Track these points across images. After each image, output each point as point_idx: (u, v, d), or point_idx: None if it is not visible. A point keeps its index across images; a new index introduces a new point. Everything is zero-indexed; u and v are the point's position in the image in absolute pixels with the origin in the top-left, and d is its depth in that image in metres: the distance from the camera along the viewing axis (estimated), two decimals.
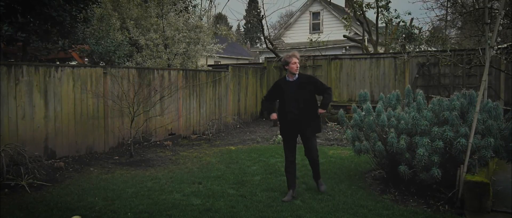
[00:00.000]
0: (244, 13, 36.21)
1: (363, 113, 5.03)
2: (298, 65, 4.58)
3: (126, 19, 11.08)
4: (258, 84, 12.49)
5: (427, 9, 28.66)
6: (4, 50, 7.90)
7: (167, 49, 10.84)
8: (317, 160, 4.73)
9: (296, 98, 4.51)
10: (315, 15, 19.64)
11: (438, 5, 10.69)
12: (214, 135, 9.53)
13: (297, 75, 4.61)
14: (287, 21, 21.78)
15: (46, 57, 8.48)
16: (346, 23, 14.54)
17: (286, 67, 4.59)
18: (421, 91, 5.10)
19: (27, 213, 4.12)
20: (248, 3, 29.00)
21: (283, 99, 4.61)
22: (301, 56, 12.34)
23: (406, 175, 4.43)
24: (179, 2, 11.57)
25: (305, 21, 20.06)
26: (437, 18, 10.72)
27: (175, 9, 11.36)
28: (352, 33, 17.06)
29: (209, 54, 12.64)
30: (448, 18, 11.50)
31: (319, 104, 4.64)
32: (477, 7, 7.39)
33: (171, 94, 8.68)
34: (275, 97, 4.78)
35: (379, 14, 13.83)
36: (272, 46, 13.16)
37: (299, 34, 19.64)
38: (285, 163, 4.75)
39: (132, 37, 10.70)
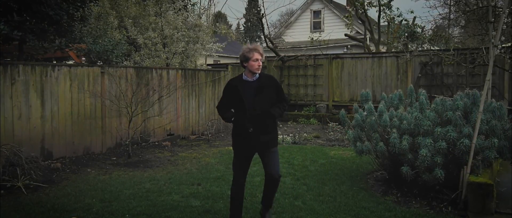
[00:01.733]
0: (244, 12, 36.13)
1: (365, 113, 5.01)
2: (261, 64, 3.54)
3: (124, 17, 11.01)
4: None
5: (430, 7, 28.66)
6: (0, 49, 7.82)
7: (166, 48, 10.76)
8: (278, 182, 3.69)
9: (254, 106, 3.51)
10: (316, 13, 19.57)
11: (441, 3, 10.64)
12: (213, 135, 9.47)
13: (257, 75, 3.59)
14: (288, 20, 21.71)
15: (42, 57, 8.43)
16: (348, 21, 14.47)
17: (245, 65, 3.54)
18: (423, 91, 5.08)
19: (24, 215, 4.08)
20: (248, 1, 28.95)
21: (239, 107, 3.55)
22: (301, 55, 12.45)
23: (409, 176, 4.40)
24: (178, 1, 11.49)
25: (306, 20, 19.99)
26: (440, 16, 10.70)
27: (174, 8, 11.28)
28: (354, 32, 16.99)
29: (208, 53, 12.58)
30: (451, 16, 11.46)
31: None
32: (480, 5, 7.33)
33: (170, 94, 8.62)
34: (230, 104, 3.64)
35: (381, 13, 13.77)
36: (273, 45, 13.10)
37: (299, 33, 19.56)
38: (232, 186, 3.67)
39: (130, 36, 10.63)
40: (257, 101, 3.51)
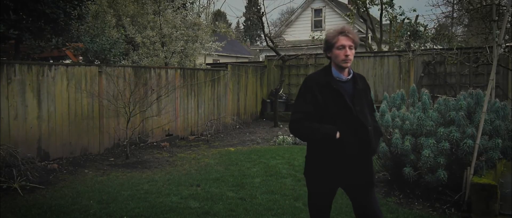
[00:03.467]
0: (244, 10, 36.08)
1: None
2: (350, 54, 2.43)
3: (122, 16, 10.93)
4: (258, 83, 12.36)
5: (433, 6, 28.43)
6: None
7: (164, 47, 10.69)
8: None
9: (357, 115, 2.42)
10: (317, 12, 19.48)
11: (444, 1, 10.57)
12: (212, 135, 9.41)
13: (351, 72, 2.53)
14: (288, 18, 21.62)
15: (39, 56, 8.35)
16: (349, 20, 14.40)
17: (328, 55, 2.52)
18: (426, 90, 5.03)
19: (20, 217, 4.05)
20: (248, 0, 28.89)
21: (337, 117, 2.42)
22: (302, 54, 12.37)
23: (411, 177, 4.35)
24: None
25: (307, 18, 19.90)
26: (443, 15, 10.62)
27: (173, 6, 11.20)
28: (355, 31, 16.83)
29: (207, 52, 12.51)
30: (455, 15, 11.39)
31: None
32: (484, 3, 7.26)
33: (168, 94, 8.56)
34: (320, 114, 2.44)
35: (383, 11, 13.72)
36: (273, 44, 13.01)
37: (300, 31, 19.48)
38: None
39: (128, 34, 10.56)
40: (359, 111, 2.43)
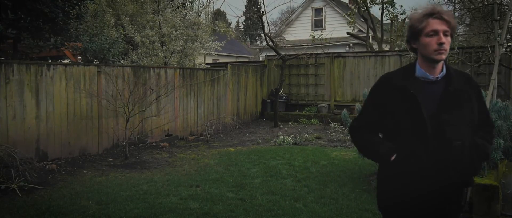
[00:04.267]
0: (244, 10, 36.05)
1: None
2: (445, 42, 1.81)
3: (121, 15, 10.89)
4: (258, 83, 12.31)
5: (434, 5, 28.46)
6: None
7: (164, 46, 10.65)
8: None
9: (441, 129, 1.81)
10: (318, 11, 19.43)
11: (446, 1, 10.52)
12: (212, 136, 9.37)
13: (444, 69, 1.90)
14: (288, 18, 21.58)
15: (37, 55, 8.34)
16: (350, 19, 14.35)
17: (414, 46, 1.91)
18: None
19: (18, 217, 4.01)
20: None
21: (409, 129, 1.84)
22: (302, 54, 12.33)
23: None
24: None
25: (307, 18, 19.85)
26: None
27: (172, 5, 11.16)
28: (356, 30, 16.87)
29: (207, 52, 12.47)
30: (456, 14, 11.35)
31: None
32: (485, 3, 7.22)
33: (168, 94, 8.52)
34: (385, 123, 1.93)
35: (384, 10, 13.69)
36: (273, 43, 12.97)
37: (300, 31, 19.44)
38: None
39: (127, 34, 10.52)
40: (446, 121, 1.80)
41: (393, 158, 1.86)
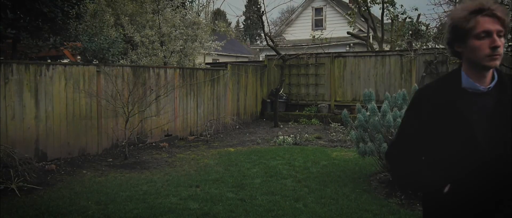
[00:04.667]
0: (244, 9, 36.03)
1: (368, 113, 4.94)
2: (500, 44, 1.49)
3: (121, 15, 10.85)
4: (258, 83, 12.29)
5: (435, 4, 28.23)
6: None
7: (163, 46, 10.62)
8: None
9: (493, 148, 1.51)
10: (318, 11, 19.40)
11: (446, 0, 10.48)
12: (212, 136, 9.35)
13: (496, 77, 1.59)
14: (289, 17, 21.55)
15: (37, 55, 8.32)
16: (350, 19, 14.31)
17: (458, 50, 1.58)
18: None
19: None
20: None
21: (457, 149, 1.55)
22: (303, 54, 12.30)
23: None
24: None
25: (307, 17, 19.82)
26: (445, 14, 10.54)
27: (172, 5, 11.13)
28: (357, 30, 16.84)
29: (207, 52, 12.44)
30: None
31: None
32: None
33: (167, 94, 8.50)
34: (429, 143, 1.62)
35: (385, 10, 13.65)
36: (273, 43, 12.95)
37: (301, 31, 19.40)
38: None
39: (127, 34, 10.49)
40: (498, 138, 1.52)
41: (446, 189, 1.56)
